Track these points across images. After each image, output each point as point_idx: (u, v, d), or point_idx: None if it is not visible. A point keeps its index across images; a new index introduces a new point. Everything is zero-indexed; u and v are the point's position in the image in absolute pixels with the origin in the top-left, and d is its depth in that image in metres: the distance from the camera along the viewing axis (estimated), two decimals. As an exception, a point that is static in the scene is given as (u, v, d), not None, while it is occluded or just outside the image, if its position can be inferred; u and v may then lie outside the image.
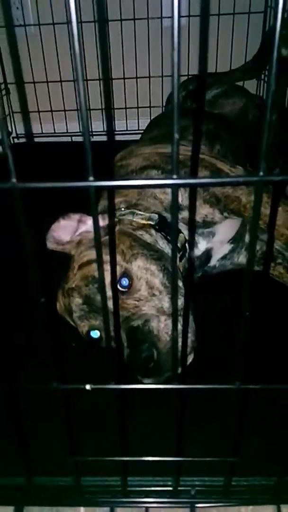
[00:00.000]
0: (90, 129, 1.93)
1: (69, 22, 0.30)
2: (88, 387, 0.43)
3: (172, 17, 0.29)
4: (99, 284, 0.36)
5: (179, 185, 0.33)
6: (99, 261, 0.36)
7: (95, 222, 0.36)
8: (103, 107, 1.82)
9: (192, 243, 0.80)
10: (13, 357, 0.79)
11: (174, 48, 0.29)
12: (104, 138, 1.85)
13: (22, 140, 1.94)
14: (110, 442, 0.48)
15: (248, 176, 0.29)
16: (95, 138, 1.91)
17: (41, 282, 0.40)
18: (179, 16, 0.29)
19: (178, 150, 0.32)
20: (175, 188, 0.32)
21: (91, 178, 0.33)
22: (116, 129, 1.92)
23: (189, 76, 1.68)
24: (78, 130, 1.93)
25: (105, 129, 1.86)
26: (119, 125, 1.92)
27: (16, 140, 1.94)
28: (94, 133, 1.87)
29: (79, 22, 0.30)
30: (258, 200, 0.31)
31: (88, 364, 0.75)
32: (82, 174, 0.34)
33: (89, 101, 1.83)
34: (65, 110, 1.89)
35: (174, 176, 0.32)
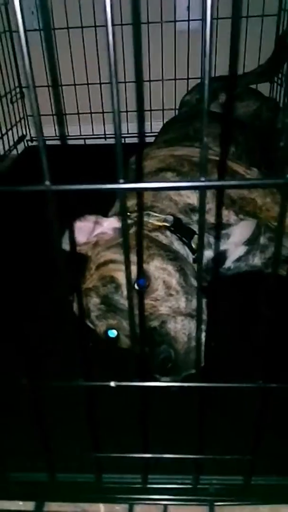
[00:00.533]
0: (104, 132, 1.95)
1: (96, 25, 0.31)
2: (112, 384, 0.44)
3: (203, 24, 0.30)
4: (127, 286, 0.37)
5: (207, 187, 0.34)
6: (126, 263, 0.37)
7: (124, 224, 0.37)
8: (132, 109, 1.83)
9: (218, 246, 0.81)
10: (38, 355, 0.80)
11: (205, 54, 0.30)
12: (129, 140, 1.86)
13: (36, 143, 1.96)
14: (131, 440, 0.49)
15: (273, 179, 0.30)
16: (108, 141, 1.93)
17: (67, 282, 0.41)
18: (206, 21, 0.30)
19: (207, 154, 0.33)
20: (203, 190, 0.33)
21: (121, 181, 0.34)
22: (129, 132, 1.93)
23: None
24: (92, 133, 1.95)
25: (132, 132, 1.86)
26: (131, 127, 1.93)
27: (30, 143, 1.97)
28: (107, 136, 1.89)
29: (113, 24, 0.31)
30: (284, 202, 0.32)
31: (108, 363, 0.76)
32: (108, 176, 0.35)
33: (102, 104, 1.85)
34: (78, 114, 1.92)
35: (202, 179, 0.33)
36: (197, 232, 0.93)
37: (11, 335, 0.86)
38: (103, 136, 1.95)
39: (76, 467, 0.58)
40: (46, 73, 1.84)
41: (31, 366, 0.53)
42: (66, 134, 1.96)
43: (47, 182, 0.35)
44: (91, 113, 1.92)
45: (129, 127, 1.88)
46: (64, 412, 0.65)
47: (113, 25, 0.31)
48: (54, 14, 1.75)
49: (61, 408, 0.65)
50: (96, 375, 0.54)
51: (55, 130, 1.95)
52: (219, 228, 0.80)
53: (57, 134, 1.96)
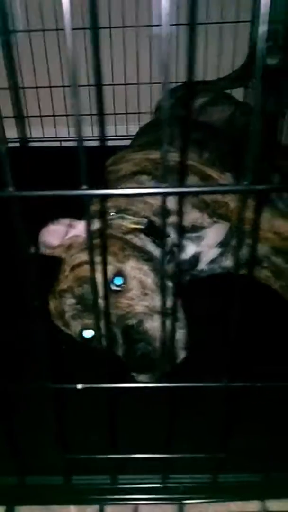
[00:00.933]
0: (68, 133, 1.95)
1: (58, 29, 0.32)
2: (79, 386, 0.44)
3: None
4: (91, 284, 0.38)
5: (168, 194, 0.35)
6: (91, 262, 0.38)
7: (88, 228, 0.38)
8: (94, 113, 1.83)
9: (179, 248, 0.82)
10: (6, 358, 0.80)
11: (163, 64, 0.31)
12: (95, 143, 1.87)
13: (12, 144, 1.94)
14: (100, 441, 0.50)
15: (234, 186, 0.31)
16: (85, 143, 1.93)
17: (36, 286, 0.41)
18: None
19: (168, 160, 0.34)
20: (164, 197, 0.34)
21: (84, 187, 0.35)
22: (106, 135, 1.94)
23: (178, 84, 1.71)
24: (68, 135, 1.94)
25: (96, 135, 1.87)
26: (108, 130, 1.94)
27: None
28: (84, 138, 1.88)
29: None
30: (243, 208, 0.33)
31: (80, 365, 0.77)
32: (75, 182, 0.36)
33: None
34: (54, 115, 1.91)
35: (164, 185, 0.34)
36: (170, 235, 0.95)
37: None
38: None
39: (45, 470, 0.58)
40: (22, 75, 1.84)
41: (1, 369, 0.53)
42: (42, 136, 1.95)
43: (10, 188, 0.35)
44: (67, 115, 1.92)
45: (118, 129, 1.90)
46: (33, 415, 0.65)
47: (72, 29, 0.32)
48: (16, 17, 1.74)
49: (29, 411, 0.65)
50: (70, 377, 0.54)
51: (30, 132, 1.94)
52: (182, 232, 0.82)
53: (31, 136, 1.95)
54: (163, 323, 0.74)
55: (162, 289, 0.39)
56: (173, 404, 0.46)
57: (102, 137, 0.33)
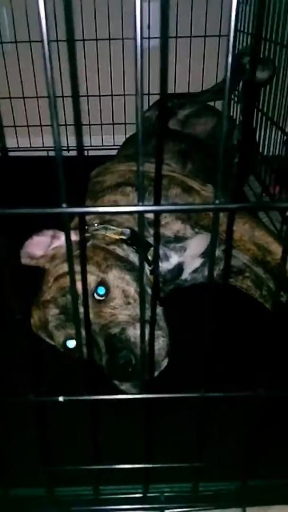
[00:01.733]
0: (67, 144, 1.97)
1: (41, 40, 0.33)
2: (61, 399, 0.45)
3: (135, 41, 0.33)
4: (71, 293, 0.39)
5: (144, 212, 0.36)
6: (71, 276, 0.39)
7: (68, 243, 0.39)
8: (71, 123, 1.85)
9: (157, 259, 0.84)
10: None
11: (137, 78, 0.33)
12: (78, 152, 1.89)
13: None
14: (82, 452, 0.50)
15: (206, 204, 0.33)
16: (71, 153, 1.94)
17: (18, 299, 0.42)
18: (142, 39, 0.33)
19: (143, 180, 0.36)
20: (141, 214, 0.36)
21: (64, 205, 0.36)
22: (92, 144, 1.96)
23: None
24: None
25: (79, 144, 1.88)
26: (95, 140, 1.96)
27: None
28: (70, 148, 1.90)
29: (50, 41, 0.33)
30: (215, 226, 0.35)
31: (62, 376, 0.77)
32: (57, 198, 0.37)
33: (65, 117, 1.86)
34: (41, 125, 1.92)
35: (139, 203, 0.36)
36: (153, 245, 0.96)
37: None
38: (66, 148, 1.97)
39: (27, 482, 0.59)
40: (9, 85, 1.85)
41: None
42: (29, 146, 1.96)
43: (-7, 206, 0.36)
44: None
45: (104, 139, 1.93)
46: (15, 426, 0.65)
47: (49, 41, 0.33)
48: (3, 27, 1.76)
49: (11, 422, 0.66)
50: (51, 388, 0.55)
51: (17, 142, 1.95)
52: (157, 251, 0.85)
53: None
54: (144, 332, 0.76)
55: (142, 298, 0.40)
56: (151, 414, 0.47)
57: (81, 148, 0.35)
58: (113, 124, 1.95)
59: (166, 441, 0.65)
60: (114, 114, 1.94)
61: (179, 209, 0.35)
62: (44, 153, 1.97)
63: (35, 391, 0.45)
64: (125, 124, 1.94)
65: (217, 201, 0.36)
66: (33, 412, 0.46)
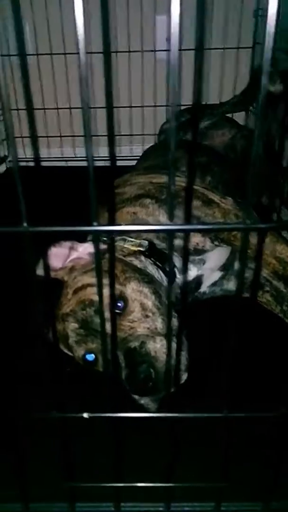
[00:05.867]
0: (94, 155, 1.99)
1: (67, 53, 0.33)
2: (85, 415, 0.45)
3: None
4: (99, 308, 0.39)
5: (175, 231, 0.36)
6: (100, 298, 0.39)
7: (98, 264, 0.39)
8: (100, 133, 1.87)
9: (186, 276, 0.84)
10: (13, 386, 0.80)
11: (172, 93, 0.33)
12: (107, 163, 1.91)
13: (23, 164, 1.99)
14: (104, 468, 0.50)
15: (236, 224, 0.33)
16: (98, 163, 1.97)
17: (42, 312, 0.43)
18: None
19: (172, 199, 0.36)
20: (171, 234, 0.36)
21: (95, 223, 0.36)
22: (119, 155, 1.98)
23: (182, 108, 1.75)
24: (74, 156, 1.98)
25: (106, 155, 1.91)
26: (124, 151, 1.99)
27: (10, 164, 1.99)
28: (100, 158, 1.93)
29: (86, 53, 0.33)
30: (245, 246, 0.35)
31: (84, 390, 0.77)
32: (83, 205, 0.37)
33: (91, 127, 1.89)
34: (60, 136, 1.95)
35: (170, 223, 0.36)
36: (175, 259, 0.96)
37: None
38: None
39: (49, 496, 0.59)
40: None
41: (5, 397, 0.54)
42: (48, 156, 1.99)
43: (25, 224, 0.37)
44: (72, 136, 1.96)
45: (122, 150, 1.95)
46: (37, 441, 0.65)
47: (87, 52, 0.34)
48: (31, 40, 1.80)
49: (34, 437, 0.66)
50: (72, 402, 0.55)
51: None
52: (187, 263, 0.84)
53: (49, 156, 1.99)
54: (166, 345, 0.75)
55: (168, 312, 0.40)
56: (174, 433, 0.46)
57: (112, 158, 0.35)
58: (131, 135, 1.97)
59: (189, 459, 0.64)
60: (133, 125, 1.96)
61: (210, 228, 0.35)
62: (63, 163, 1.99)
63: (58, 407, 0.45)
64: (143, 135, 1.95)
65: (248, 221, 0.36)
66: (56, 427, 0.46)
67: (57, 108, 1.91)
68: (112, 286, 0.76)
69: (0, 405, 0.54)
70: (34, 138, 0.32)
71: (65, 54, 1.80)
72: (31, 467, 0.61)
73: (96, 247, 0.39)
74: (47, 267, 0.90)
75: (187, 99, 1.83)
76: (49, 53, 1.83)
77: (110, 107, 0.35)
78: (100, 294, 0.40)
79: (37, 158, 0.33)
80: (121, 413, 0.46)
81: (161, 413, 0.46)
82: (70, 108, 1.89)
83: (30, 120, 0.32)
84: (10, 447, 0.51)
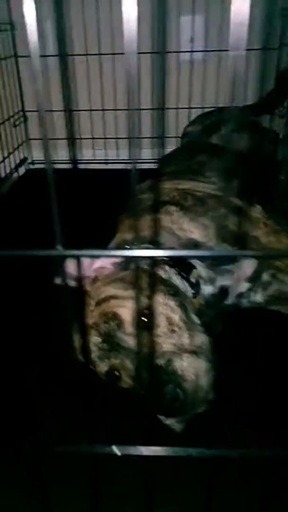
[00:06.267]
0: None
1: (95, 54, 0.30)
2: (117, 451, 0.41)
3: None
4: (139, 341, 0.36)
5: (224, 256, 0.32)
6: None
7: (137, 288, 0.35)
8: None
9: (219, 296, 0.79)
10: (37, 419, 0.76)
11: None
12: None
13: (38, 166, 1.97)
14: (133, 504, 0.46)
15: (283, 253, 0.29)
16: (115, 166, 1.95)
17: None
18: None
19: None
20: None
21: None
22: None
23: (205, 109, 1.71)
24: (116, 158, 1.97)
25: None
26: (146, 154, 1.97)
27: (31, 166, 1.97)
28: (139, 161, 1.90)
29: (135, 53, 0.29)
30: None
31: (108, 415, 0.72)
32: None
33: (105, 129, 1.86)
34: (81, 138, 1.93)
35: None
36: (196, 267, 0.92)
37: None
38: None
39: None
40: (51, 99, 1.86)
41: (31, 428, 0.51)
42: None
43: (59, 247, 0.33)
44: (92, 138, 1.93)
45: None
46: (62, 474, 0.61)
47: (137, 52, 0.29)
48: (68, 40, 1.78)
49: (58, 470, 0.62)
50: (98, 430, 0.51)
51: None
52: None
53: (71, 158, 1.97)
54: (195, 364, 0.71)
55: (208, 329, 0.37)
56: (217, 471, 0.42)
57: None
58: (152, 138, 1.93)
59: (224, 497, 0.60)
60: (153, 128, 1.92)
61: (259, 255, 0.31)
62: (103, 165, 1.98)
63: (89, 438, 0.42)
64: (163, 137, 1.91)
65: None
66: (85, 462, 0.43)
67: (78, 110, 1.88)
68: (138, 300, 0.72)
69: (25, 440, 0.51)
70: (72, 141, 0.28)
71: (99, 54, 1.78)
72: (57, 501, 0.57)
73: (137, 273, 0.35)
74: (72, 277, 0.88)
75: (211, 101, 1.79)
76: (84, 54, 1.80)
77: (161, 108, 0.31)
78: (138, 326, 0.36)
79: (74, 160, 0.29)
80: (154, 446, 0.42)
81: (202, 451, 0.42)
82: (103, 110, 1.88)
83: (69, 122, 0.29)
84: (36, 482, 0.47)
